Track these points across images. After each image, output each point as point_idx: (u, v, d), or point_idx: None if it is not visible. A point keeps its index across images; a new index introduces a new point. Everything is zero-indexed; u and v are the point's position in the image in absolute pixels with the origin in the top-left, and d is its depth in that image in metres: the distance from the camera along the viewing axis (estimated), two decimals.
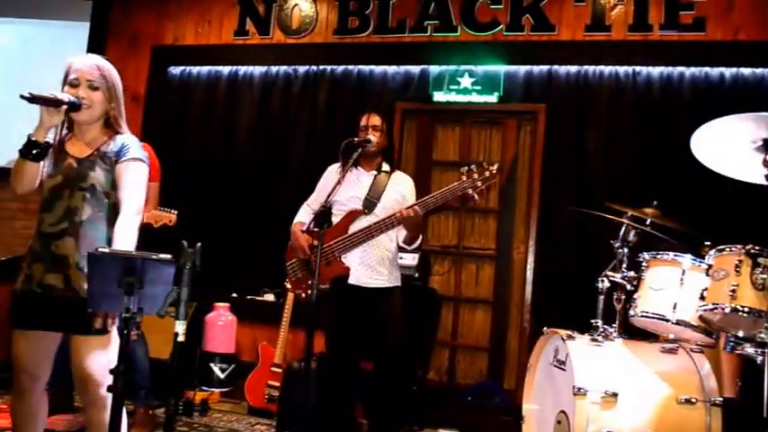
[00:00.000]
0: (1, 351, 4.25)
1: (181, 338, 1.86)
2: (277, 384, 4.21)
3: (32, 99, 2.25)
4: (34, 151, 2.31)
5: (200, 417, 4.04)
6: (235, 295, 4.81)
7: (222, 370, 2.44)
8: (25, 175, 2.35)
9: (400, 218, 3.02)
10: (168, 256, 1.98)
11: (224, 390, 4.26)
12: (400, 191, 3.27)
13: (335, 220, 3.19)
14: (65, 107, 2.31)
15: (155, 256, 1.99)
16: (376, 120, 3.27)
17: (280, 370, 4.25)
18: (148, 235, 3.54)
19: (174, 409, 1.86)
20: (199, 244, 1.88)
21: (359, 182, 3.26)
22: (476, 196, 3.02)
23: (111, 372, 1.88)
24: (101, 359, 2.33)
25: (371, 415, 3.50)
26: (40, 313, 2.34)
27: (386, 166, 3.33)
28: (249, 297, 4.85)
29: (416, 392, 4.02)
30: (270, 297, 4.86)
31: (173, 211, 3.60)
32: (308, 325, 2.72)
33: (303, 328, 4.34)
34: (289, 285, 4.29)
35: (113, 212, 2.42)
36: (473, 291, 4.90)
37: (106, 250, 2.14)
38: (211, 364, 2.45)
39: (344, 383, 3.26)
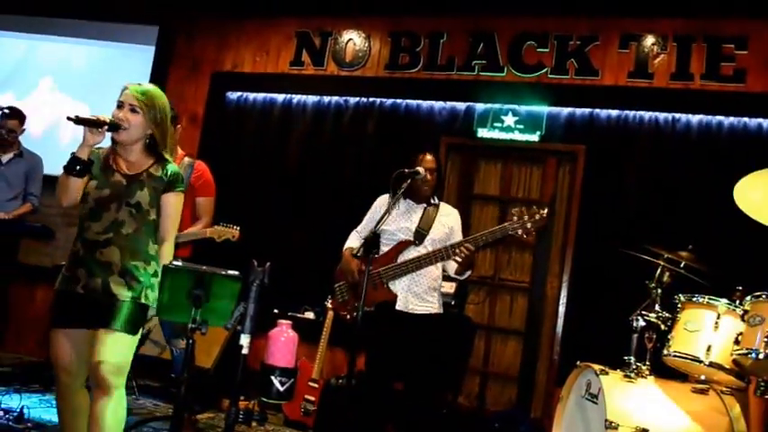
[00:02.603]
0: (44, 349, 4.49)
1: (245, 351, 2.03)
2: (313, 399, 4.36)
3: (78, 121, 2.46)
4: (78, 167, 2.51)
5: (258, 426, 4.15)
6: (276, 311, 4.99)
7: (282, 383, 2.59)
8: (69, 189, 2.54)
9: (458, 256, 3.12)
10: (235, 272, 2.15)
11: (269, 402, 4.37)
12: (447, 223, 3.38)
13: (384, 248, 3.32)
14: (105, 127, 2.50)
15: (222, 272, 2.16)
16: (430, 161, 3.37)
17: (316, 385, 4.41)
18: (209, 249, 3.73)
19: (234, 416, 2.02)
20: (268, 264, 2.04)
21: (409, 214, 3.40)
22: (524, 236, 3.12)
23: (176, 380, 2.03)
24: (118, 357, 2.46)
25: None
26: (79, 312, 2.51)
27: (434, 200, 3.46)
28: (290, 314, 5.02)
29: (446, 415, 4.14)
30: (310, 315, 5.03)
31: (235, 227, 3.72)
32: (351, 345, 2.85)
33: (341, 347, 4.52)
34: (330, 305, 4.48)
35: (152, 228, 2.64)
36: (506, 321, 5.03)
37: (179, 263, 2.34)
38: (272, 377, 2.58)
39: (381, 403, 3.37)
